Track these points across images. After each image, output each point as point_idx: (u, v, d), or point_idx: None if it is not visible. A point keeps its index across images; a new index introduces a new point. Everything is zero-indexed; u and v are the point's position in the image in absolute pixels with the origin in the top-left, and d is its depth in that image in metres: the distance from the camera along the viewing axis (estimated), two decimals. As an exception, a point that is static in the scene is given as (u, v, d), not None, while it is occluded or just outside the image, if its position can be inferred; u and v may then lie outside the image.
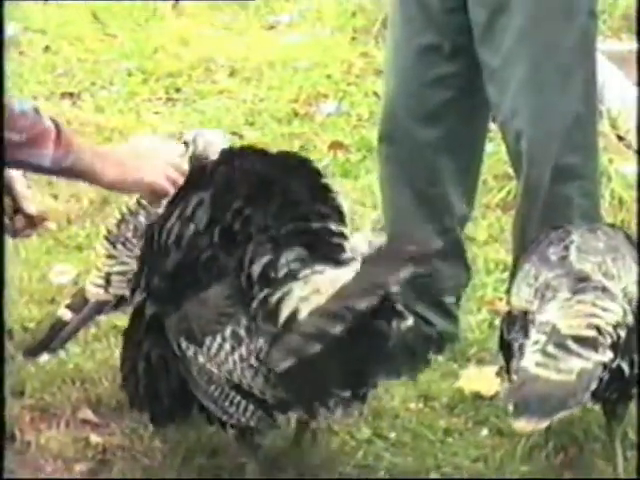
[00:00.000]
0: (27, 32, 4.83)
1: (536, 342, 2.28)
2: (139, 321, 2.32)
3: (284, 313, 2.12)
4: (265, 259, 2.15)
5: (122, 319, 3.07)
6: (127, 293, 2.54)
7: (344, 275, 2.10)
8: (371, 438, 2.64)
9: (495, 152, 3.73)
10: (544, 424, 2.22)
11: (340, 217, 2.27)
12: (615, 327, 2.29)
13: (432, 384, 2.81)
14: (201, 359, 2.23)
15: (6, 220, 2.26)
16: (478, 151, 2.99)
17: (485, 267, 3.37)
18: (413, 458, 2.59)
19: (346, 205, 2.30)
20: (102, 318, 2.97)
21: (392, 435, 2.68)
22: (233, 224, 2.18)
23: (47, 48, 4.75)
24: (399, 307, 2.08)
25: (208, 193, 2.19)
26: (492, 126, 3.11)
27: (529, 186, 2.79)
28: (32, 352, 2.73)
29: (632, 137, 3.93)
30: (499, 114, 2.84)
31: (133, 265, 2.56)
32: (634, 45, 4.52)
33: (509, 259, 3.09)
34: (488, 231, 3.56)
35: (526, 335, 2.35)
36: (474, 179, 3.00)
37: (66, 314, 2.71)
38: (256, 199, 2.19)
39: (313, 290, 2.12)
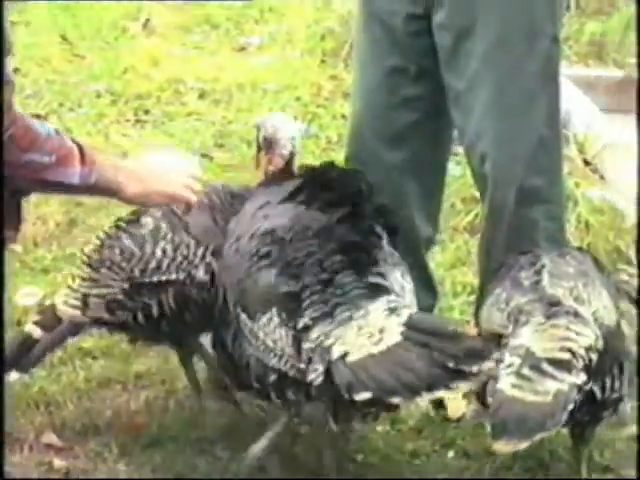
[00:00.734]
0: (-5, 53, 4.80)
1: (510, 365, 2.30)
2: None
3: (335, 353, 2.29)
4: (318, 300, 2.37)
5: (88, 341, 3.07)
6: (105, 316, 2.65)
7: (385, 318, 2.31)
8: (339, 459, 2.63)
9: (462, 175, 3.75)
10: (524, 445, 2.24)
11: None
12: (587, 350, 2.32)
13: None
14: (254, 327, 2.42)
15: None
16: (442, 173, 3.01)
17: (452, 290, 3.38)
18: (381, 480, 2.60)
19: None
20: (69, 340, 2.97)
21: (360, 457, 2.68)
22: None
23: (16, 70, 4.72)
24: None
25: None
26: (460, 150, 3.12)
27: (494, 209, 2.80)
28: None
29: (598, 162, 3.96)
30: (464, 137, 2.86)
31: (116, 289, 2.65)
32: (600, 71, 4.57)
33: (476, 282, 3.10)
34: (455, 254, 3.58)
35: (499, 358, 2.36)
36: (438, 201, 3.02)
37: (35, 331, 2.68)
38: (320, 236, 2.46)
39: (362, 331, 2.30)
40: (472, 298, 3.19)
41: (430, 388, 2.21)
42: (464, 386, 2.24)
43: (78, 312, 2.67)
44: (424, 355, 2.22)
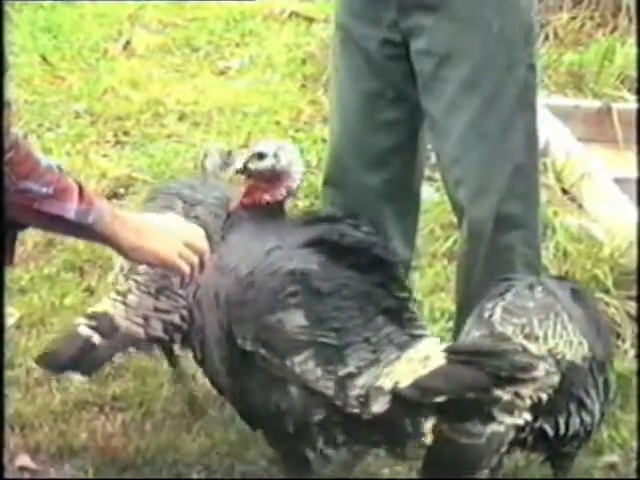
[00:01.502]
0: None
1: None
2: None
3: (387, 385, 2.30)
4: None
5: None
6: (163, 336, 2.76)
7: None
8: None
9: (441, 201, 3.76)
10: None
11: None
12: (535, 390, 2.31)
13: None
14: (275, 360, 2.39)
15: None
16: (417, 196, 3.03)
17: (431, 316, 3.39)
18: (357, 507, 2.59)
19: None
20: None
21: (334, 481, 2.68)
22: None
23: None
24: None
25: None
26: (438, 175, 3.14)
27: (471, 235, 2.82)
28: (58, 367, 2.72)
29: (576, 190, 3.99)
30: (440, 162, 2.88)
31: (175, 314, 2.75)
32: (578, 101, 4.61)
33: (455, 308, 3.11)
34: (434, 280, 3.59)
35: None
36: (414, 224, 3.04)
37: (94, 336, 2.71)
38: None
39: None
40: (451, 324, 3.19)
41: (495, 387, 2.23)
42: (524, 391, 2.25)
43: (141, 331, 2.76)
44: (474, 369, 2.24)
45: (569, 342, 2.41)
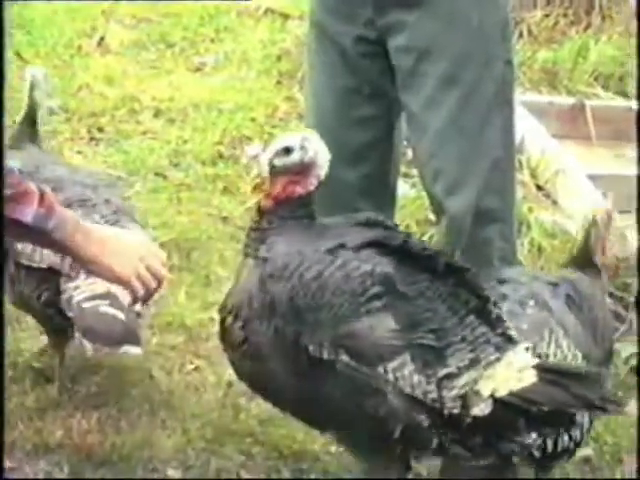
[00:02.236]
0: (-53, 67, 4.76)
1: None
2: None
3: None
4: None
5: (39, 361, 3.04)
6: None
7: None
8: (292, 480, 2.64)
9: (417, 197, 3.77)
10: None
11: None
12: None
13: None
14: (364, 369, 2.29)
15: None
16: (393, 191, 3.04)
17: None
18: (333, 502, 2.60)
19: None
20: (19, 359, 2.94)
21: (312, 476, 2.68)
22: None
23: (-33, 85, 4.68)
24: None
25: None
26: (415, 171, 3.15)
27: (450, 228, 2.84)
28: (113, 344, 2.71)
29: (551, 187, 4.01)
30: (417, 157, 2.90)
31: None
32: (553, 98, 4.64)
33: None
34: (410, 276, 3.59)
35: None
36: (391, 218, 3.04)
37: (116, 312, 2.72)
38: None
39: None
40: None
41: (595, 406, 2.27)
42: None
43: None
44: (567, 393, 2.26)
45: (562, 358, 2.42)
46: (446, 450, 2.32)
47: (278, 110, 4.62)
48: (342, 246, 2.34)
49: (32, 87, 3.25)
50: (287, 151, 2.40)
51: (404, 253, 2.35)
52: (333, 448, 2.77)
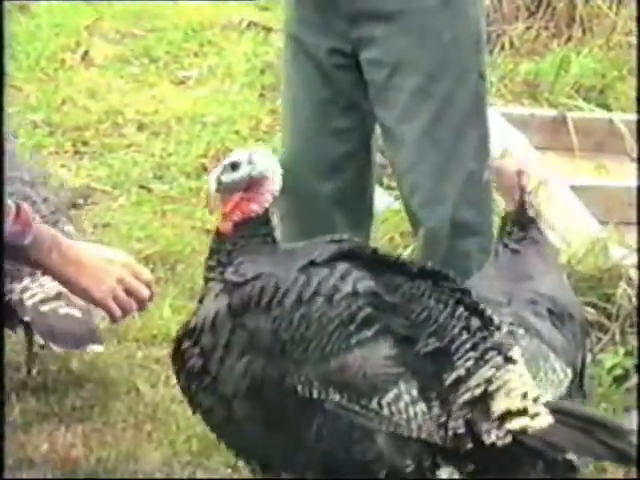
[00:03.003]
0: None
1: None
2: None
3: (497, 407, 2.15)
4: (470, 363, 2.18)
5: (23, 374, 3.03)
6: None
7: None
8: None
9: (400, 209, 3.78)
10: None
11: None
12: None
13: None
14: (356, 407, 2.16)
15: None
16: (370, 203, 3.04)
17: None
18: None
19: None
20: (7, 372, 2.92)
21: None
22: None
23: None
24: None
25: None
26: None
27: (426, 242, 2.85)
28: (76, 345, 2.82)
29: (533, 198, 4.02)
30: (394, 170, 2.91)
31: None
32: (535, 110, 4.66)
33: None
34: (393, 288, 3.60)
35: None
36: (367, 231, 3.05)
37: (72, 311, 2.78)
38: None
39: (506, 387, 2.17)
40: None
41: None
42: None
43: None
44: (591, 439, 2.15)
45: (558, 382, 2.39)
46: None
47: (261, 123, 4.64)
48: (313, 263, 2.21)
49: None
50: (234, 167, 2.31)
51: (376, 262, 2.25)
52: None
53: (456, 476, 2.18)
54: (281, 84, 4.74)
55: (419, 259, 2.91)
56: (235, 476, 2.74)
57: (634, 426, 2.76)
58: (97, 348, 2.82)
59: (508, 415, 2.13)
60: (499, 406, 2.14)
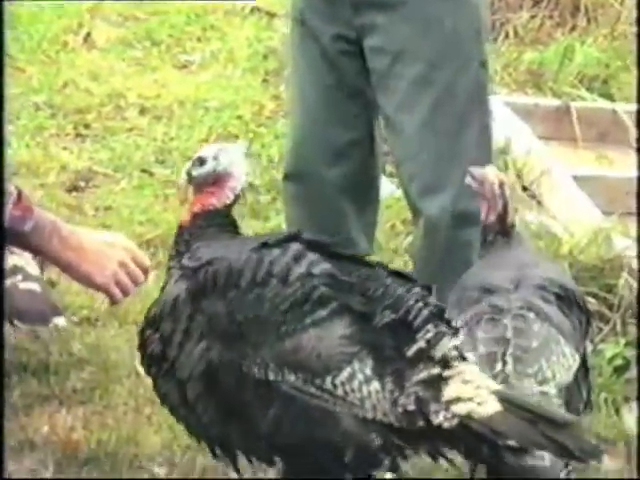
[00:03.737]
0: None
1: None
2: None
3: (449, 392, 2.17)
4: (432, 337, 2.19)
5: (24, 356, 3.03)
6: None
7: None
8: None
9: (402, 197, 3.78)
10: None
11: None
12: None
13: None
14: (312, 389, 2.17)
15: None
16: (376, 189, 3.04)
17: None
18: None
19: None
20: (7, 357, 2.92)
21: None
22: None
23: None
24: None
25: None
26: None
27: (426, 231, 2.84)
28: (44, 320, 2.80)
29: (536, 188, 4.03)
30: (394, 158, 2.91)
31: None
32: (539, 99, 4.66)
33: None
34: (395, 275, 3.60)
35: None
36: (374, 217, 3.05)
37: (32, 286, 2.80)
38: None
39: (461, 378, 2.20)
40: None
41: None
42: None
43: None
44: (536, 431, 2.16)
45: (568, 368, 2.41)
46: (397, 466, 2.21)
47: (264, 108, 4.62)
48: (265, 245, 2.25)
49: None
50: (201, 162, 2.36)
51: (332, 252, 2.26)
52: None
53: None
54: (285, 70, 4.77)
55: (419, 249, 2.91)
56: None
57: (634, 417, 2.76)
58: (60, 321, 2.77)
59: (457, 400, 2.17)
60: (450, 392, 2.18)
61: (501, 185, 2.56)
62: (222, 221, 2.34)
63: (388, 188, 3.81)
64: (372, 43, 2.81)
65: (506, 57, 4.85)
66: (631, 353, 3.17)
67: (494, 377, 2.34)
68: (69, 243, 2.07)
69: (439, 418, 2.16)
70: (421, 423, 2.16)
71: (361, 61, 2.85)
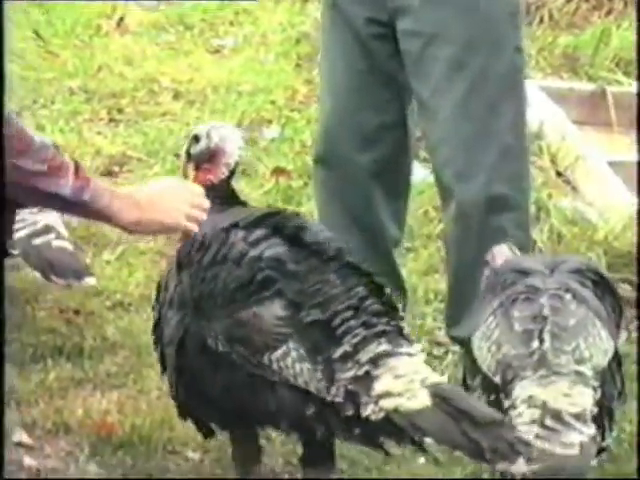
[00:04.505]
0: (-33, 47, 4.75)
1: (530, 415, 2.29)
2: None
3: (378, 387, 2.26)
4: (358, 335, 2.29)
5: (59, 339, 3.05)
6: None
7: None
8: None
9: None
10: None
11: None
12: (591, 407, 2.32)
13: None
14: (254, 361, 2.32)
15: None
16: (407, 174, 3.04)
17: (425, 297, 3.40)
18: (350, 486, 2.60)
19: None
20: (41, 338, 2.94)
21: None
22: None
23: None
24: None
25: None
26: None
27: (459, 215, 2.83)
28: (76, 277, 2.88)
29: (571, 173, 4.00)
30: (427, 142, 2.89)
31: None
32: (574, 84, 4.62)
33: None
34: (428, 261, 3.59)
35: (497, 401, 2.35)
36: (405, 203, 3.05)
37: (64, 244, 2.92)
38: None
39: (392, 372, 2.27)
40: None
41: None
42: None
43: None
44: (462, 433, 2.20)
45: (604, 351, 2.40)
46: (331, 442, 2.35)
47: (298, 93, 4.61)
48: (236, 225, 2.39)
49: None
50: (196, 139, 2.54)
51: (296, 237, 2.39)
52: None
53: None
54: (318, 54, 4.76)
55: (451, 235, 2.90)
56: (268, 447, 2.74)
57: None
58: (92, 281, 2.89)
59: (387, 394, 2.24)
60: (381, 386, 2.25)
61: None
62: (220, 194, 2.49)
63: (421, 173, 3.79)
64: (405, 26, 2.79)
65: (541, 41, 4.81)
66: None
67: (530, 355, 2.34)
68: (130, 202, 2.17)
69: (367, 410, 2.25)
70: (350, 413, 2.26)
71: (394, 44, 2.83)
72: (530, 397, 2.32)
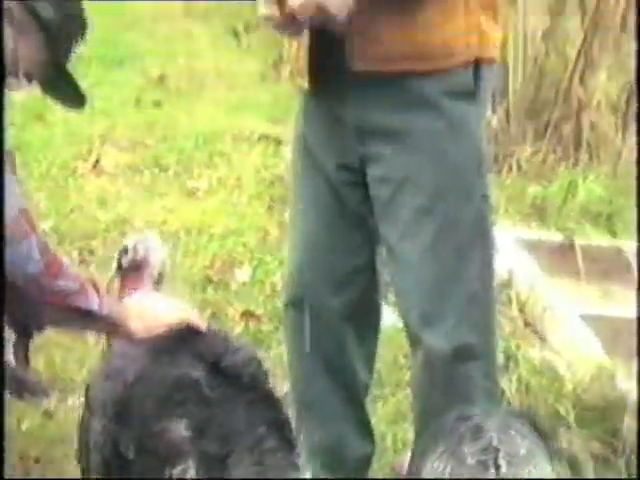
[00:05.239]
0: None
1: None
2: None
3: None
4: None
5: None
6: None
7: None
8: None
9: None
10: None
11: None
12: None
13: None
14: (158, 474, 2.37)
15: None
16: (377, 318, 3.04)
17: (394, 446, 3.36)
18: None
19: None
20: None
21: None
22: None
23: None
24: None
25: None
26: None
27: (426, 363, 2.81)
28: None
29: (539, 323, 4.02)
30: (395, 287, 2.89)
31: None
32: (543, 234, 4.68)
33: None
34: (397, 408, 3.56)
35: None
36: (374, 346, 3.04)
37: None
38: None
39: None
40: (414, 457, 3.16)
41: None
42: None
43: None
44: None
45: None
46: None
47: (269, 235, 4.64)
48: (167, 351, 2.42)
49: None
50: (125, 252, 2.68)
51: (215, 363, 2.43)
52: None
53: None
54: (290, 197, 4.81)
55: (417, 381, 2.88)
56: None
57: None
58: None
59: None
60: None
61: None
62: None
63: (390, 319, 3.80)
64: (375, 172, 2.82)
65: (510, 190, 4.90)
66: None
67: (475, 471, 2.32)
68: (134, 312, 2.26)
69: None
70: None
71: (364, 190, 2.87)
72: None
